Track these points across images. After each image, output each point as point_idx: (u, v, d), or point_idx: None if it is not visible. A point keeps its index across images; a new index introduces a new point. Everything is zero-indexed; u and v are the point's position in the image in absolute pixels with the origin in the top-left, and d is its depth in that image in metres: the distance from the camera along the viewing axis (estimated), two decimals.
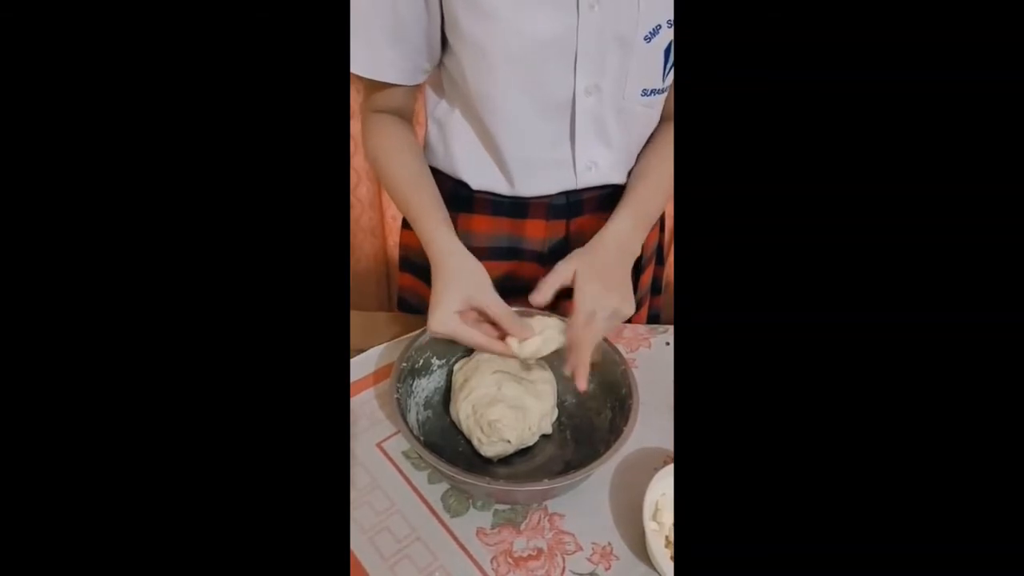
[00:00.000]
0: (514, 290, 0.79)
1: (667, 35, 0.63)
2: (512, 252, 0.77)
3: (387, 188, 0.70)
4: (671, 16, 0.61)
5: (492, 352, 0.59)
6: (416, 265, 0.85)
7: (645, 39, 0.62)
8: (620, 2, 0.59)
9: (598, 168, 0.71)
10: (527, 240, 0.75)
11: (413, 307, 0.87)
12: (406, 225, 0.86)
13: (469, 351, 0.66)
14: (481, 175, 0.71)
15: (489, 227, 0.74)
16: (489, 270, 0.79)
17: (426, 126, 0.75)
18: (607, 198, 0.69)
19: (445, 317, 0.57)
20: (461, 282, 0.59)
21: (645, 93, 0.67)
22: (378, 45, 0.62)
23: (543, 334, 0.58)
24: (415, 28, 0.62)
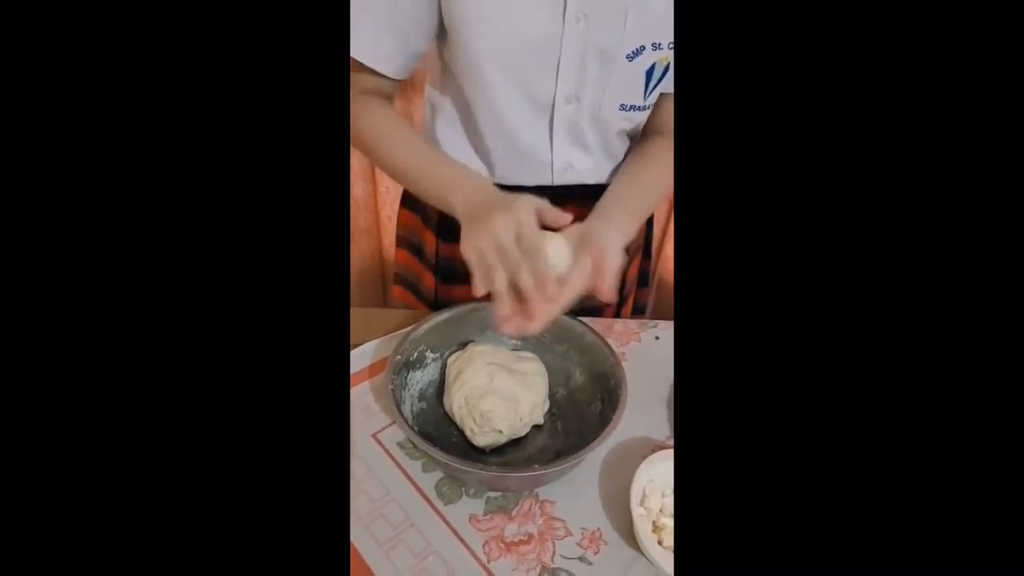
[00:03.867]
0: None
1: (651, 57, 0.64)
2: None
3: (390, 160, 0.68)
4: (656, 39, 0.63)
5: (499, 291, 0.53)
6: (407, 281, 0.88)
7: (628, 57, 0.63)
8: (607, 19, 0.61)
9: (574, 170, 0.73)
10: None
11: None
12: (400, 245, 0.88)
13: (463, 344, 0.68)
14: (464, 161, 0.73)
15: None
16: None
17: (423, 107, 0.78)
18: (590, 191, 0.70)
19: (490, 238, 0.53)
20: (522, 198, 0.56)
21: (624, 108, 0.68)
22: (377, 31, 0.64)
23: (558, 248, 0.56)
24: (411, 19, 0.63)
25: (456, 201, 0.61)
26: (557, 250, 0.55)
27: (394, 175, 0.70)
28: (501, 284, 0.53)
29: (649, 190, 0.70)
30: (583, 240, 0.56)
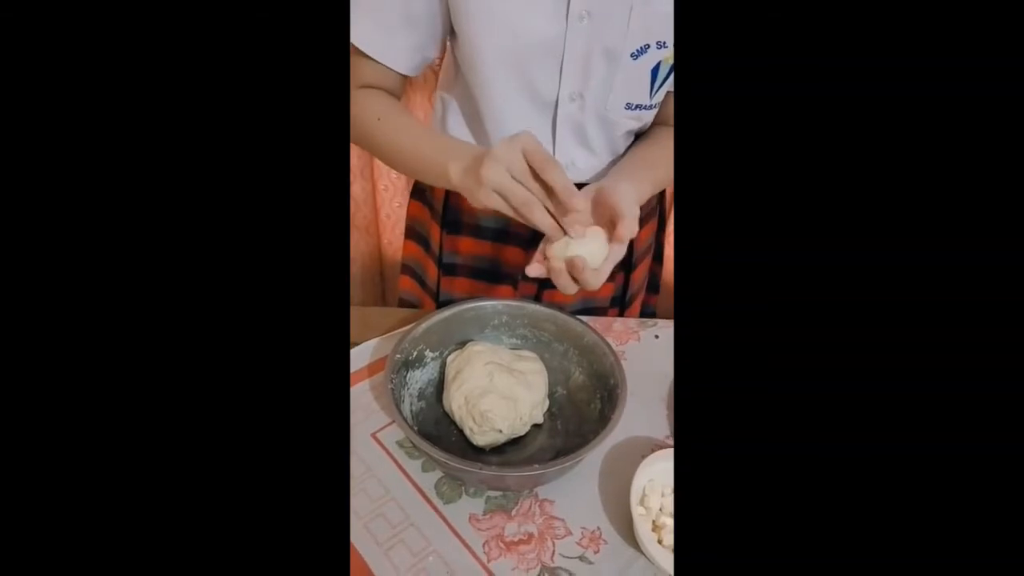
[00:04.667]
0: (498, 275, 0.81)
1: (656, 55, 0.64)
2: (499, 234, 0.79)
3: (386, 146, 0.68)
4: (661, 38, 0.63)
5: (535, 223, 0.53)
6: (414, 271, 0.88)
7: (632, 56, 0.63)
8: (610, 18, 0.61)
9: (576, 168, 0.74)
10: (513, 223, 0.77)
11: (414, 307, 0.89)
12: (409, 236, 0.88)
13: (462, 343, 0.68)
14: None
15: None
16: (476, 250, 0.81)
17: (435, 104, 0.79)
18: None
19: (496, 169, 0.52)
20: (519, 138, 0.53)
21: (630, 107, 0.68)
22: (392, 29, 0.64)
23: (593, 242, 0.57)
24: (425, 18, 0.64)
25: (452, 171, 0.59)
26: (595, 238, 0.57)
27: (392, 162, 0.70)
28: (530, 200, 0.53)
29: (658, 166, 0.70)
30: (597, 197, 0.58)
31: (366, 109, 0.68)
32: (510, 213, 0.54)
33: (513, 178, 0.52)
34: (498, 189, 0.53)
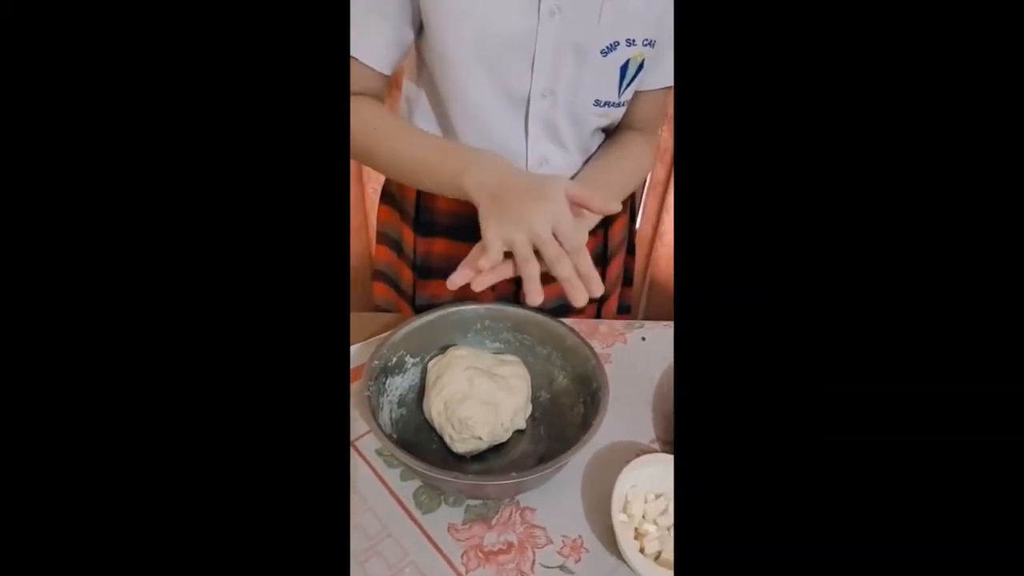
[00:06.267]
0: None
1: (625, 53, 0.64)
2: (475, 234, 0.78)
3: (386, 154, 0.66)
4: (631, 35, 0.63)
5: (560, 276, 0.53)
6: (388, 276, 0.87)
7: (602, 53, 0.63)
8: (581, 13, 0.60)
9: (549, 164, 0.73)
10: None
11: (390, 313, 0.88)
12: (381, 241, 0.87)
13: (444, 348, 0.66)
14: None
15: (450, 204, 0.76)
16: (451, 251, 0.80)
17: (400, 102, 0.77)
18: None
19: (544, 219, 0.52)
20: (561, 183, 0.55)
21: (598, 104, 0.68)
22: (364, 24, 0.63)
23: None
24: (398, 9, 0.63)
25: (469, 183, 0.57)
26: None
27: (390, 170, 0.68)
28: (534, 275, 0.52)
29: (620, 177, 0.70)
30: None
31: (355, 119, 0.66)
32: (521, 254, 0.52)
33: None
34: (536, 242, 0.52)
